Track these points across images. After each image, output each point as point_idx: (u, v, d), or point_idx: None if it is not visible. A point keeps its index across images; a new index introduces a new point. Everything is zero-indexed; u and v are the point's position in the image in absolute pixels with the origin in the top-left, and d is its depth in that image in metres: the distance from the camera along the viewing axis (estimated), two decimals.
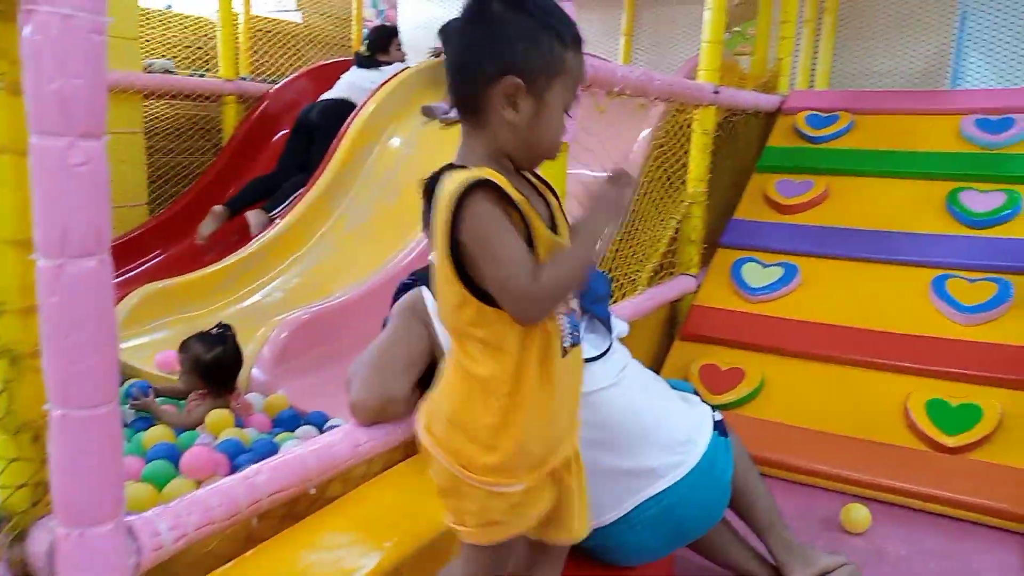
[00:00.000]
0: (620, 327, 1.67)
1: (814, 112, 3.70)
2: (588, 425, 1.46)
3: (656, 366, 3.04)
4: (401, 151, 4.05)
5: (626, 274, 2.86)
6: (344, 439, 1.43)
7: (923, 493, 2.25)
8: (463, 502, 1.05)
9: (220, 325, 2.45)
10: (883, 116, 3.58)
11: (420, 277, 1.58)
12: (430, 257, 1.60)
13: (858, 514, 2.14)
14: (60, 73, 0.81)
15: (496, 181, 0.95)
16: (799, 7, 4.17)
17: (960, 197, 3.05)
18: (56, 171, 0.83)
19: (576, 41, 1.03)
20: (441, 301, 1.03)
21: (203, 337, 2.39)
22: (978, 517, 2.18)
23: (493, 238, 0.94)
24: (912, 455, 2.38)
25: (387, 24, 5.26)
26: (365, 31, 5.48)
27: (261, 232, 3.70)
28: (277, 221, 3.71)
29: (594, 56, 4.26)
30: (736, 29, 3.99)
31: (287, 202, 3.91)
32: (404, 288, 1.62)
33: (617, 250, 2.85)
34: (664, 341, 3.15)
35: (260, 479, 1.27)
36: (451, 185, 0.95)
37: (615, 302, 2.65)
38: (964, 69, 4.81)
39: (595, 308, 1.57)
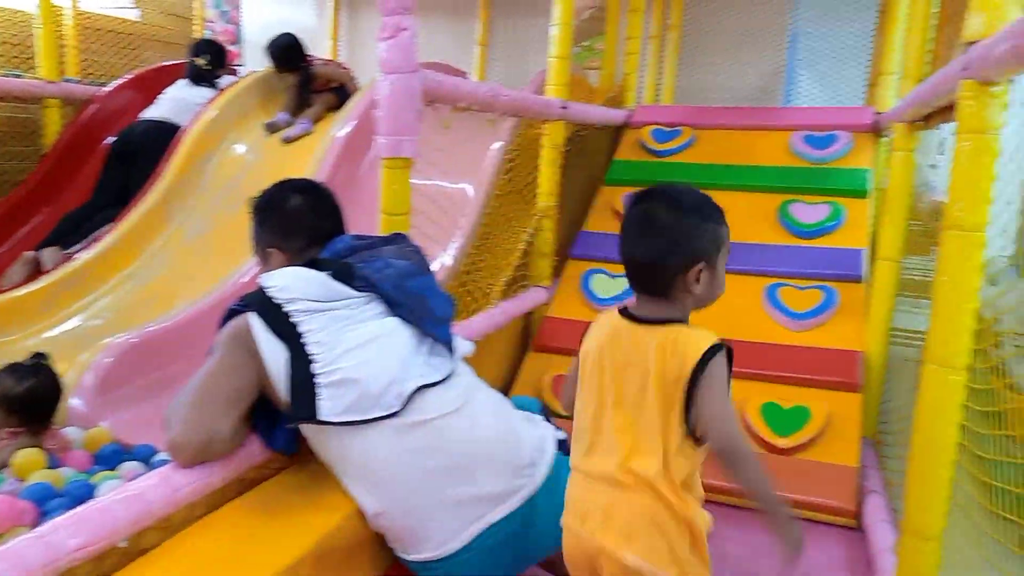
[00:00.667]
0: (464, 347, 1.63)
1: (659, 127, 3.83)
2: (430, 452, 1.43)
3: (511, 377, 3.04)
4: (245, 158, 3.87)
5: (480, 287, 2.84)
6: (159, 484, 1.30)
7: None
8: None
9: (35, 355, 2.22)
10: (722, 131, 3.76)
11: (251, 302, 1.47)
12: (258, 280, 1.52)
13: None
14: None
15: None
16: (644, 23, 4.31)
17: (790, 209, 3.23)
18: None
19: (722, 215, 1.32)
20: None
21: (14, 368, 2.15)
22: (810, 514, 2.31)
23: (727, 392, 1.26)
24: None
25: (219, 40, 4.99)
26: (207, 32, 5.21)
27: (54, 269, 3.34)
28: (75, 258, 3.38)
29: (448, 67, 4.25)
30: (585, 43, 4.08)
31: (89, 238, 3.56)
32: (232, 314, 1.51)
33: (473, 263, 2.83)
34: (519, 353, 3.16)
35: (58, 537, 1.13)
36: (701, 341, 1.23)
37: (470, 316, 2.62)
38: (796, 87, 5.14)
39: (437, 331, 1.52)
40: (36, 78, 4.09)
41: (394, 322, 1.50)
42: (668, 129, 3.80)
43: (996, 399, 1.73)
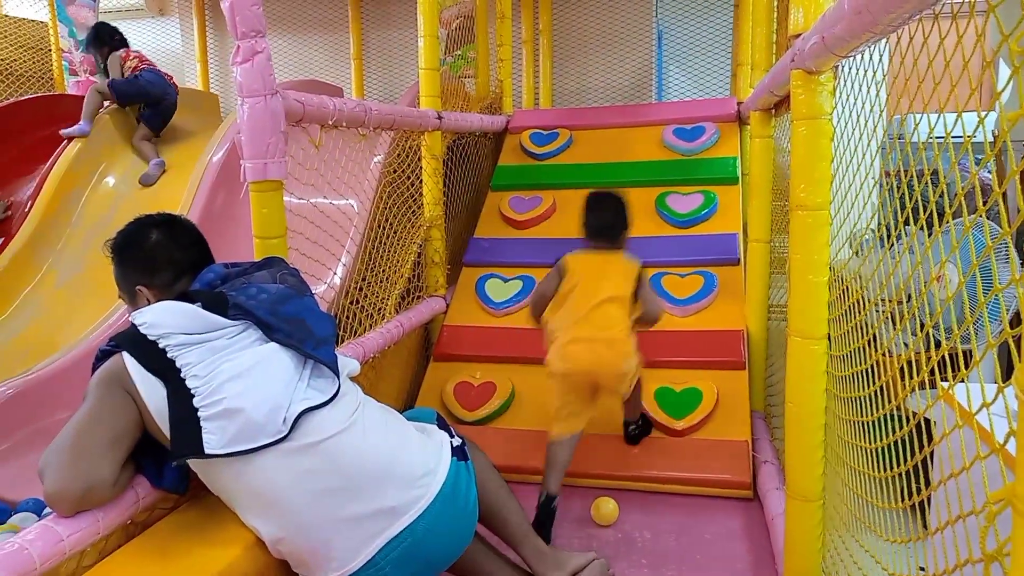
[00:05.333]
0: (350, 366, 1.63)
1: (537, 130, 3.91)
2: (322, 474, 1.43)
3: (413, 390, 3.04)
4: (118, 190, 3.72)
5: (374, 303, 2.84)
6: (40, 536, 1.25)
7: (661, 476, 2.45)
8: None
9: None
10: (597, 130, 3.87)
11: (120, 342, 1.43)
12: (130, 318, 1.47)
13: (606, 508, 2.28)
14: None
15: None
16: (514, 29, 4.39)
17: (667, 200, 3.37)
18: None
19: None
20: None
21: None
22: (707, 490, 2.42)
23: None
24: (648, 443, 2.59)
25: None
26: (65, 64, 4.98)
27: None
28: None
29: (321, 84, 4.21)
30: (458, 52, 4.12)
31: None
32: (104, 355, 1.46)
33: (364, 279, 2.81)
34: (421, 363, 3.17)
35: None
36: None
37: (364, 332, 2.61)
38: (667, 83, 5.35)
39: (318, 352, 1.52)
40: None
41: (272, 347, 1.49)
42: (546, 132, 3.89)
43: (861, 358, 1.85)
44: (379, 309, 2.87)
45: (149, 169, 3.79)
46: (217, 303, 1.49)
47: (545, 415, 2.74)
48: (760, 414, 2.81)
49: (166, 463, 1.46)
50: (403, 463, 1.50)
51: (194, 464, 1.44)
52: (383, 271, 2.95)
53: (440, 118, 2.99)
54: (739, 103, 3.68)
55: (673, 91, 5.32)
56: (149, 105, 4.02)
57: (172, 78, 4.17)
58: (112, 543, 1.41)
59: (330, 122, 2.12)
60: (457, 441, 1.65)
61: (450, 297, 3.28)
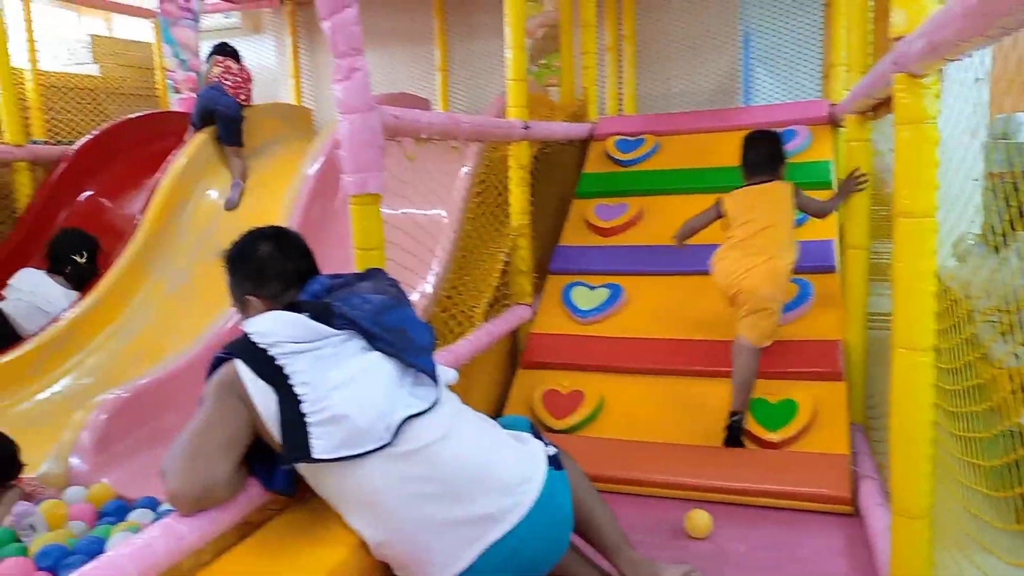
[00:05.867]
0: (448, 375, 1.67)
1: (622, 137, 3.90)
2: (422, 480, 1.46)
3: (502, 397, 3.07)
4: (219, 203, 3.90)
5: (463, 311, 2.89)
6: (164, 534, 1.33)
7: (755, 489, 2.40)
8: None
9: None
10: (684, 136, 3.83)
11: (233, 350, 1.51)
12: (241, 326, 1.55)
13: (700, 519, 2.24)
14: None
15: None
16: (598, 37, 4.39)
17: None
18: None
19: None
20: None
21: None
22: (804, 504, 2.35)
23: None
24: (743, 455, 2.54)
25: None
26: (169, 83, 5.25)
27: None
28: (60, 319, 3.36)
29: (410, 96, 4.30)
30: (542, 62, 4.15)
31: None
32: (219, 362, 1.54)
33: (453, 287, 2.87)
34: (508, 372, 3.20)
35: None
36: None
37: (455, 340, 2.66)
38: (754, 86, 5.24)
39: (419, 360, 1.56)
40: (2, 143, 4.12)
41: (376, 356, 1.54)
42: (632, 138, 3.87)
43: (972, 373, 1.77)
44: (468, 317, 2.91)
45: (230, 194, 3.94)
46: (323, 313, 1.54)
47: (634, 425, 2.74)
48: (859, 427, 2.72)
49: (276, 466, 1.53)
50: (500, 471, 1.53)
51: (302, 468, 1.50)
52: (472, 279, 3.00)
53: (527, 128, 3.02)
54: (832, 105, 3.58)
55: (760, 94, 5.21)
56: (216, 120, 4.11)
57: (238, 88, 4.21)
58: (227, 541, 1.48)
59: (423, 135, 2.18)
60: (552, 450, 1.67)
61: (536, 305, 3.31)
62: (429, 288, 2.71)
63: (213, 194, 3.91)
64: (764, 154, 2.75)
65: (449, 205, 3.02)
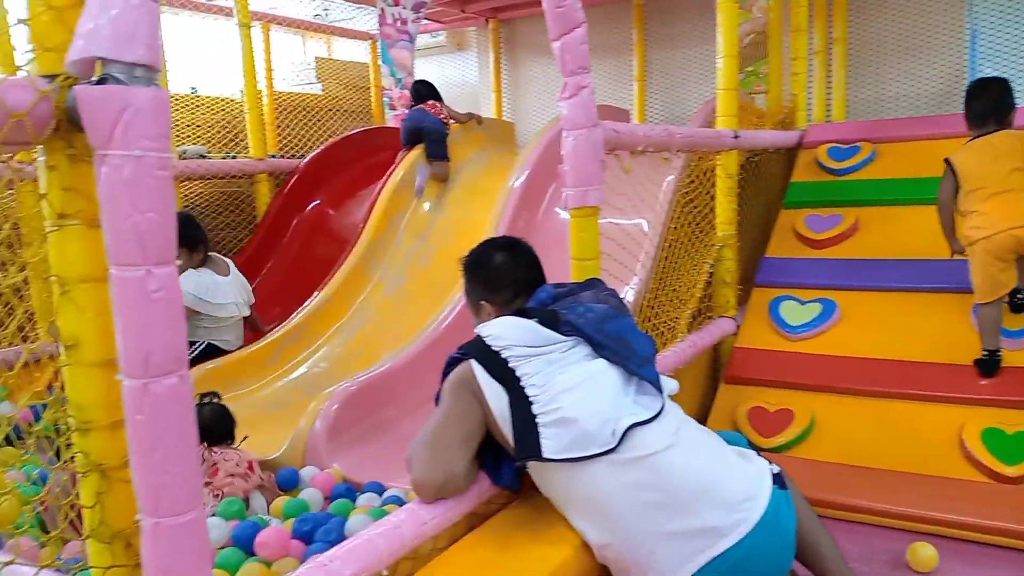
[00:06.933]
0: (670, 385, 1.69)
1: (835, 144, 3.72)
2: (649, 487, 1.49)
3: (703, 411, 3.03)
4: (431, 214, 4.14)
5: (665, 322, 2.88)
6: (408, 519, 1.45)
7: (988, 526, 2.21)
8: None
9: (207, 393, 2.48)
10: (903, 143, 3.60)
11: (468, 351, 1.61)
12: (476, 330, 1.65)
13: (925, 552, 2.10)
14: (134, 209, 0.87)
15: None
16: (808, 41, 4.23)
17: None
18: (136, 298, 0.89)
19: None
20: None
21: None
22: None
23: None
24: (973, 487, 2.35)
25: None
26: (385, 99, 5.65)
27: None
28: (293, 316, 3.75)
29: (611, 108, 4.35)
30: (749, 69, 4.06)
31: None
32: (454, 362, 1.65)
33: (655, 298, 2.87)
34: (709, 386, 3.15)
35: (335, 566, 1.29)
36: None
37: (658, 351, 2.66)
38: None
39: (643, 370, 1.59)
40: (247, 157, 4.63)
41: (601, 363, 1.59)
42: (845, 146, 3.69)
43: None
44: (670, 328, 2.91)
45: (417, 181, 4.23)
46: (551, 320, 1.62)
47: (848, 447, 2.60)
48: None
49: (504, 463, 1.62)
50: (725, 485, 1.52)
51: (530, 466, 1.58)
52: (675, 290, 2.99)
53: (737, 137, 2.97)
54: None
55: None
56: (423, 137, 4.41)
57: (437, 108, 4.45)
58: (459, 530, 1.59)
59: (640, 148, 2.21)
60: (776, 468, 1.64)
61: (740, 318, 3.23)
62: (631, 296, 2.74)
63: (426, 205, 4.16)
64: (993, 101, 2.64)
65: (652, 214, 3.03)
